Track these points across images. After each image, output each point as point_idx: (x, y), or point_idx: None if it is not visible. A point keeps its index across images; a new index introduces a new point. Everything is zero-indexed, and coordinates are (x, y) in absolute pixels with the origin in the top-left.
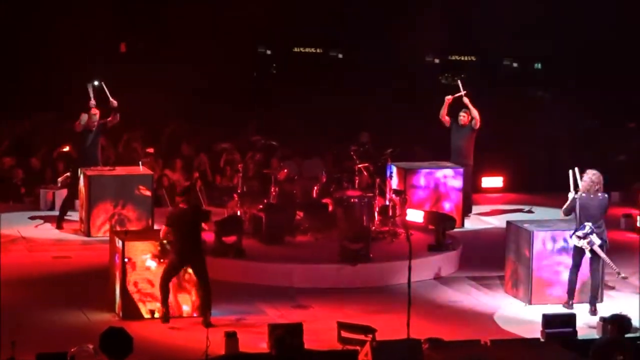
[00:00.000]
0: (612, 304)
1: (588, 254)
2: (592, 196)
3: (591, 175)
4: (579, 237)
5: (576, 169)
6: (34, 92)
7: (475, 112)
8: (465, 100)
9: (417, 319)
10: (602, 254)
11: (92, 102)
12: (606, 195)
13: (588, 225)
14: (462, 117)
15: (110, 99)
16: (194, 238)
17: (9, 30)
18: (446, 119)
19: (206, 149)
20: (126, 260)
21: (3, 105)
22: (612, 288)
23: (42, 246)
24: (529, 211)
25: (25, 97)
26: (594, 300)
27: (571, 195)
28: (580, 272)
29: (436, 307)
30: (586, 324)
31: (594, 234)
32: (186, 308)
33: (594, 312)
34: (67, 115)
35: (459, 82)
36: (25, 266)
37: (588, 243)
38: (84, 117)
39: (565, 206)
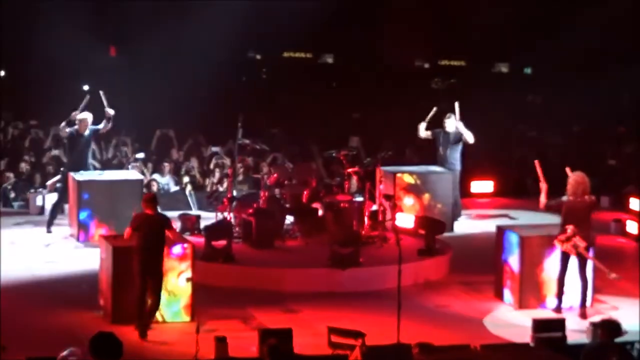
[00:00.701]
0: (601, 308)
1: (575, 257)
2: (578, 199)
3: (575, 176)
4: (562, 241)
5: (536, 163)
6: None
7: (469, 134)
8: (460, 125)
9: (407, 323)
10: (589, 256)
11: (74, 113)
12: (593, 198)
13: (570, 229)
14: (447, 122)
15: (107, 108)
16: (158, 246)
17: None
18: (423, 135)
19: (195, 153)
20: None
21: None
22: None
23: (32, 250)
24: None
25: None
26: (583, 303)
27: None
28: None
29: (426, 312)
30: (576, 328)
31: (577, 237)
32: (174, 312)
33: (583, 315)
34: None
35: (456, 104)
36: (14, 270)
37: (572, 246)
38: (63, 125)
39: (550, 202)
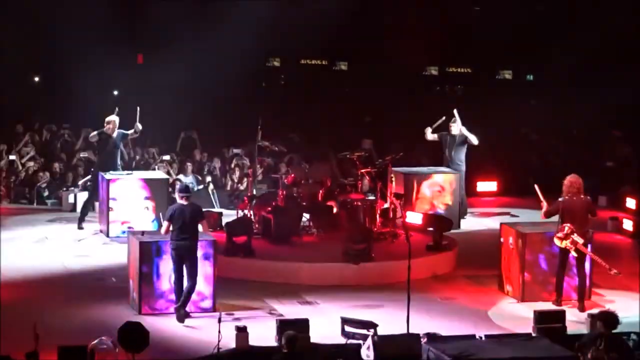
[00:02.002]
0: (599, 301)
1: (573, 253)
2: (574, 198)
3: (570, 178)
4: (560, 238)
5: (536, 186)
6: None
7: (473, 137)
8: (464, 129)
9: (416, 314)
10: (588, 252)
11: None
12: (588, 197)
13: (567, 226)
14: (453, 126)
15: (137, 123)
16: (192, 233)
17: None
18: (430, 138)
19: (217, 154)
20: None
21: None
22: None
23: (64, 245)
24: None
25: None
26: (581, 297)
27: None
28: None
29: (434, 304)
30: (575, 319)
31: (575, 234)
32: (200, 304)
33: (582, 309)
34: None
35: (455, 111)
36: (48, 264)
37: (571, 243)
38: (95, 136)
39: (549, 208)
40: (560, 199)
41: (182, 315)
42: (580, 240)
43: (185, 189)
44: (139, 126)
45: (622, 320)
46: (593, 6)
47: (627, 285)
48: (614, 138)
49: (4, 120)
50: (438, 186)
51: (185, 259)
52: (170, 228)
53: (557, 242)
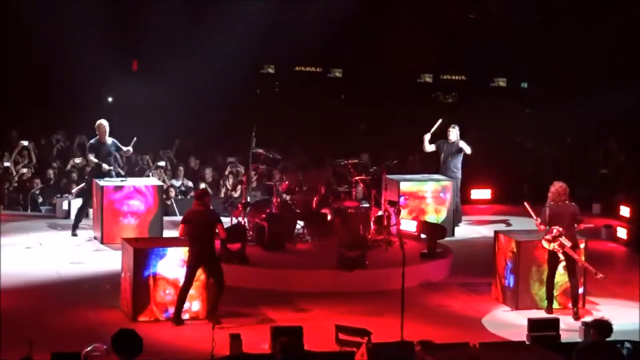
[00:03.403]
0: (593, 309)
1: (561, 256)
2: (560, 204)
3: (557, 186)
4: (549, 241)
5: (526, 204)
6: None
7: (466, 146)
8: (462, 144)
9: (410, 322)
10: (575, 256)
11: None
12: (574, 204)
13: (555, 228)
14: (451, 132)
15: (130, 147)
16: (209, 239)
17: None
18: (428, 149)
19: (212, 161)
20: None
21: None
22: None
23: (58, 252)
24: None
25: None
26: (574, 303)
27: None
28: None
29: (428, 312)
30: (569, 328)
31: (563, 237)
32: (194, 309)
33: (576, 315)
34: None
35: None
36: (42, 271)
37: (559, 245)
38: (92, 159)
39: (540, 220)
40: (546, 206)
41: (180, 322)
42: (568, 243)
43: (204, 194)
44: (130, 150)
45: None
46: (589, 15)
47: (620, 293)
48: (608, 146)
49: None
50: (432, 194)
51: (204, 265)
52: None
53: (545, 244)
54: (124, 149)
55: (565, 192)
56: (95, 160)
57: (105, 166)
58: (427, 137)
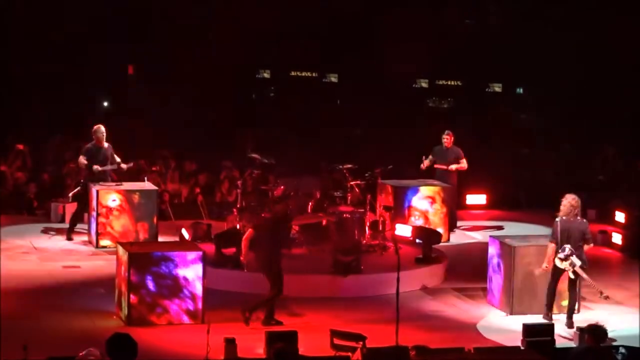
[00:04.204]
0: (588, 314)
1: (571, 275)
2: (572, 219)
3: (570, 199)
4: (561, 259)
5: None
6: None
7: (463, 164)
8: (452, 167)
9: (405, 327)
10: (584, 275)
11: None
12: (585, 220)
13: (567, 247)
14: (446, 139)
15: (123, 164)
16: (271, 246)
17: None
18: (427, 164)
19: (207, 166)
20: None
21: (15, 128)
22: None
23: (53, 256)
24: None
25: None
26: (570, 314)
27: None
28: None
29: (423, 317)
30: (564, 333)
31: (574, 256)
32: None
33: (570, 325)
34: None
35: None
36: (36, 275)
37: (570, 264)
38: (82, 161)
39: (552, 234)
40: (557, 220)
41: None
42: (578, 263)
43: (276, 201)
44: (124, 166)
45: (610, 334)
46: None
47: (615, 299)
48: (606, 153)
49: None
50: (428, 199)
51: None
52: None
53: (557, 262)
54: (117, 161)
55: (578, 206)
56: (85, 162)
57: (96, 167)
58: (425, 162)
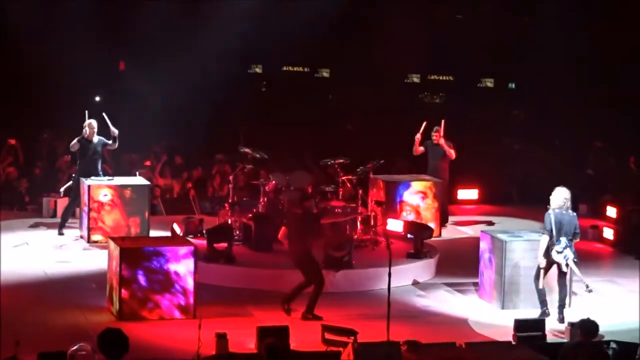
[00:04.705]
0: (580, 309)
1: (564, 269)
2: (564, 212)
3: (563, 192)
4: (558, 252)
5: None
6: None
7: (451, 152)
8: (442, 142)
9: (396, 322)
10: (575, 268)
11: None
12: (575, 214)
13: (563, 240)
14: (435, 136)
15: (111, 128)
16: (301, 241)
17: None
18: (420, 150)
19: (199, 161)
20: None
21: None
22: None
23: (44, 251)
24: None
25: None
26: (561, 309)
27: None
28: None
29: (414, 312)
30: (555, 328)
31: (568, 248)
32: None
33: (562, 320)
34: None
35: (442, 122)
36: (28, 270)
37: (564, 257)
38: (75, 144)
39: (544, 226)
40: (550, 212)
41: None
42: (572, 256)
43: (304, 197)
44: (115, 131)
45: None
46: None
47: (607, 294)
48: (596, 149)
49: None
50: (419, 194)
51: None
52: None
53: (554, 255)
54: (110, 141)
55: (569, 199)
56: (75, 141)
57: (73, 142)
58: (416, 142)
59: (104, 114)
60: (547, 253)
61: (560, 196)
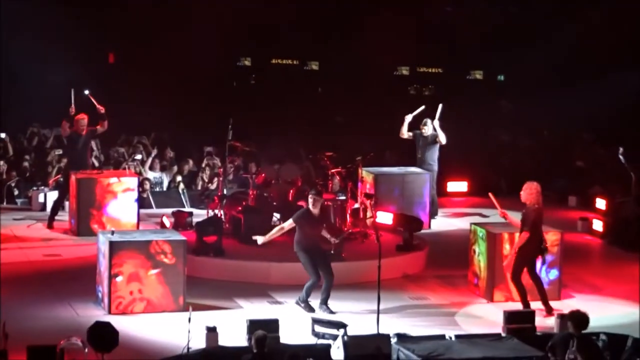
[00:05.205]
0: (569, 301)
1: (541, 261)
2: (537, 206)
3: (536, 186)
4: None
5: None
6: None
7: (442, 136)
8: (436, 124)
9: (386, 314)
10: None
11: (72, 108)
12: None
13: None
14: (424, 128)
15: (98, 106)
16: (315, 234)
17: None
18: (405, 136)
19: (188, 153)
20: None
21: None
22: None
23: (34, 245)
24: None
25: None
26: (545, 301)
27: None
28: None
29: (404, 304)
30: (545, 320)
31: (543, 242)
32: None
33: (549, 311)
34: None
35: (440, 105)
36: (17, 264)
37: (542, 249)
38: (66, 124)
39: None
40: (530, 208)
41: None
42: (546, 250)
43: (318, 193)
44: (101, 109)
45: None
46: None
47: (596, 285)
48: (585, 140)
49: None
50: (409, 186)
51: (315, 259)
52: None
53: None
54: (98, 126)
55: (541, 192)
56: (67, 127)
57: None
58: (408, 118)
59: (86, 92)
60: None
61: (534, 191)
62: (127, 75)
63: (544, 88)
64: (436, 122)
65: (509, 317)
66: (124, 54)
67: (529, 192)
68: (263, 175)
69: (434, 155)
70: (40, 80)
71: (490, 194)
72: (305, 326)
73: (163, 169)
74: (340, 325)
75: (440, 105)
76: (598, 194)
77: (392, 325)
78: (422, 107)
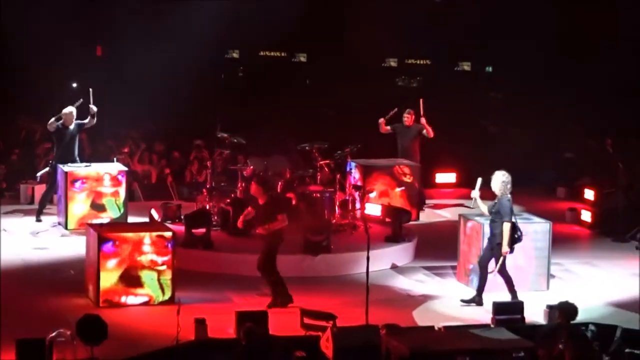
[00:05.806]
0: (558, 292)
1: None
2: (509, 195)
3: (507, 176)
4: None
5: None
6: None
7: (429, 130)
8: (423, 121)
9: (375, 306)
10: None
11: (92, 107)
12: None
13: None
14: (407, 117)
15: (91, 105)
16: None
17: None
18: (385, 131)
19: (177, 146)
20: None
21: None
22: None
23: (22, 238)
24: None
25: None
26: (514, 296)
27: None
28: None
29: (393, 295)
30: (533, 311)
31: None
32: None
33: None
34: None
35: (421, 100)
36: (5, 256)
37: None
38: (52, 120)
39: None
40: (506, 198)
41: None
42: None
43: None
44: (94, 108)
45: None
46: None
47: (585, 276)
48: (573, 131)
49: None
50: (397, 177)
51: None
52: None
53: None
54: (87, 120)
55: (509, 181)
56: (53, 120)
57: (51, 121)
58: (382, 122)
59: (90, 90)
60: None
61: (506, 180)
62: (115, 68)
63: (532, 79)
64: (422, 119)
65: (498, 308)
66: (112, 46)
67: (501, 181)
68: (251, 167)
69: (415, 147)
70: (27, 73)
71: (479, 179)
72: (294, 318)
73: (151, 162)
74: (330, 317)
75: (421, 100)
76: (586, 184)
77: (381, 316)
78: (395, 110)
